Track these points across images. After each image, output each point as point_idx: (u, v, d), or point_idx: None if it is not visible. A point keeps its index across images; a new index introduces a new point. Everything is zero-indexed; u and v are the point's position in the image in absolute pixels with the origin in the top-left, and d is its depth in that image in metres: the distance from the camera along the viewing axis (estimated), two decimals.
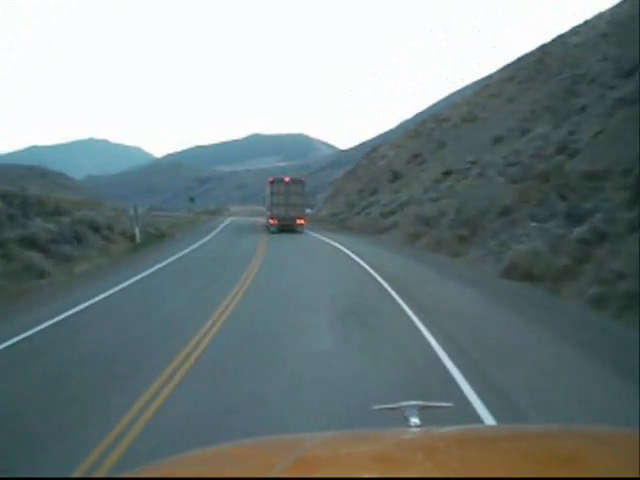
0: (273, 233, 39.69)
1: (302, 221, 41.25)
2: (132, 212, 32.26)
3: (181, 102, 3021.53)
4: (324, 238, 36.04)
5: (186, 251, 28.77)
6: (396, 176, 49.35)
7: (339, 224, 45.48)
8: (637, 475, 1.39)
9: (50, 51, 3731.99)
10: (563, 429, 2.94)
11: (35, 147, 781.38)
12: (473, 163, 35.95)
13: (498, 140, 36.59)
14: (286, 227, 40.09)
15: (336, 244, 31.44)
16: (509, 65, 65.99)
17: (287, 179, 42.49)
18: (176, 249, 28.97)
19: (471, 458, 1.72)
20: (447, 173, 38.34)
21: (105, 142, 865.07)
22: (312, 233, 40.79)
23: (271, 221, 40.99)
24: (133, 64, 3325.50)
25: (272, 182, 42.05)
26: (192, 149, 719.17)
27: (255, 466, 1.82)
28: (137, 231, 31.44)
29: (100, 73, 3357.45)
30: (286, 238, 37.09)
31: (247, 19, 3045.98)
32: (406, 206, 37.72)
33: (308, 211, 62.58)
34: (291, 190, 41.03)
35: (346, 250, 28.20)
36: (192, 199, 72.94)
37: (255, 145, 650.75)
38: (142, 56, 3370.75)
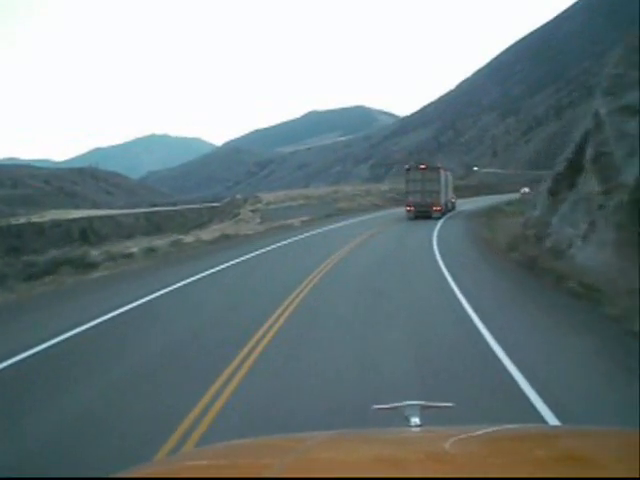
0: (410, 220, 40.43)
1: (439, 208, 41.34)
2: None
3: (236, 88, 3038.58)
4: None
5: None
6: None
7: None
8: (637, 475, 1.39)
9: (101, 53, 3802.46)
10: (563, 429, 3.25)
11: (98, 149, 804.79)
12: None
13: None
14: (422, 214, 40.41)
15: None
16: None
17: (423, 166, 43.32)
18: None
19: (471, 458, 1.73)
20: None
21: (166, 137, 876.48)
22: None
23: (407, 208, 41.69)
24: (186, 56, 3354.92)
25: (408, 169, 43.05)
26: (251, 134, 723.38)
27: (255, 466, 1.81)
28: None
29: (154, 69, 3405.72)
30: None
31: None
32: None
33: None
34: (427, 177, 41.44)
35: None
36: None
37: (314, 122, 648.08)
38: (193, 47, 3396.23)
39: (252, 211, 59.15)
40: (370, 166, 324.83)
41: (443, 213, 42.68)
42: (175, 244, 26.95)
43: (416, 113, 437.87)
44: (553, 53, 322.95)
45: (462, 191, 75.35)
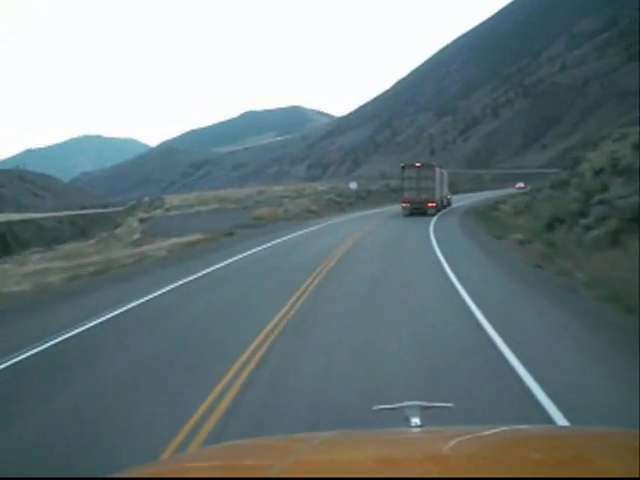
0: (406, 216, 39.65)
1: (433, 204, 40.77)
2: None
3: (171, 88, 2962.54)
4: None
5: None
6: None
7: None
8: (637, 475, 1.36)
9: (33, 53, 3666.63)
10: (563, 429, 3.25)
11: (30, 150, 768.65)
12: None
13: None
14: (417, 210, 39.94)
15: None
16: None
17: (418, 164, 42.96)
18: None
19: (471, 458, 1.70)
20: None
21: (98, 137, 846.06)
22: None
23: (403, 204, 41.36)
24: (118, 55, 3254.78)
25: (403, 167, 42.57)
26: (187, 134, 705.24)
27: (254, 466, 1.79)
28: None
29: (86, 69, 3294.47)
30: None
31: None
32: None
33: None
34: (422, 174, 41.03)
35: None
36: None
37: (250, 122, 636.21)
38: (126, 46, 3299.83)
39: (141, 220, 42.13)
40: (307, 166, 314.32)
41: (438, 209, 41.84)
42: None
43: (352, 113, 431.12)
44: (489, 52, 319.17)
45: None
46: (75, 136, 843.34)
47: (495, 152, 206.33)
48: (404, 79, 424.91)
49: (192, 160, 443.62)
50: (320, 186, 66.42)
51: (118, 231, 38.93)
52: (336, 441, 2.03)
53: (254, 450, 2.05)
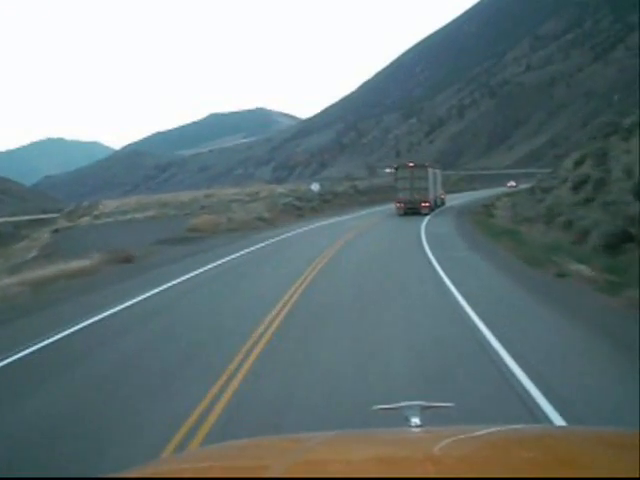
0: (400, 216, 39.52)
1: (427, 204, 40.89)
2: None
3: (135, 90, 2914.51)
4: None
5: None
6: None
7: None
8: (637, 475, 1.35)
9: None
10: (563, 429, 3.25)
11: None
12: None
13: None
14: (411, 210, 40.10)
15: None
16: None
17: (411, 164, 43.27)
18: None
19: (471, 458, 1.69)
20: None
21: (61, 140, 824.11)
22: None
23: (397, 205, 41.64)
24: (81, 57, 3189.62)
25: (396, 168, 43.58)
26: (152, 136, 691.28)
27: (253, 466, 1.79)
28: None
29: (47, 71, 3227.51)
30: None
31: None
32: None
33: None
34: (415, 175, 41.33)
35: None
36: None
37: (215, 124, 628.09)
38: (89, 48, 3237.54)
39: (55, 231, 34.15)
40: (272, 168, 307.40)
41: (432, 209, 41.61)
42: None
43: (317, 115, 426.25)
44: (453, 54, 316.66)
45: (384, 194, 53.88)
46: (37, 139, 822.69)
47: (461, 153, 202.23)
48: (369, 81, 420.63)
49: (157, 163, 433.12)
50: (279, 188, 58.34)
51: (21, 245, 30.61)
52: (335, 441, 2.01)
53: (253, 450, 2.02)
